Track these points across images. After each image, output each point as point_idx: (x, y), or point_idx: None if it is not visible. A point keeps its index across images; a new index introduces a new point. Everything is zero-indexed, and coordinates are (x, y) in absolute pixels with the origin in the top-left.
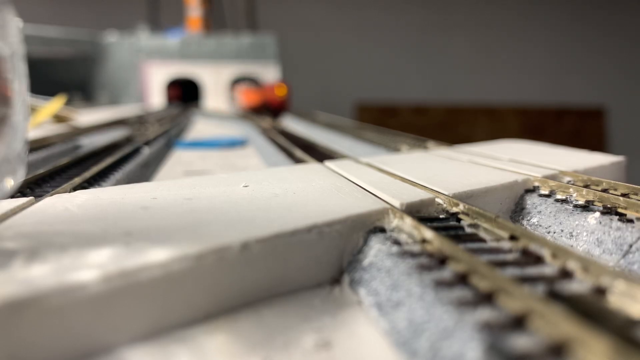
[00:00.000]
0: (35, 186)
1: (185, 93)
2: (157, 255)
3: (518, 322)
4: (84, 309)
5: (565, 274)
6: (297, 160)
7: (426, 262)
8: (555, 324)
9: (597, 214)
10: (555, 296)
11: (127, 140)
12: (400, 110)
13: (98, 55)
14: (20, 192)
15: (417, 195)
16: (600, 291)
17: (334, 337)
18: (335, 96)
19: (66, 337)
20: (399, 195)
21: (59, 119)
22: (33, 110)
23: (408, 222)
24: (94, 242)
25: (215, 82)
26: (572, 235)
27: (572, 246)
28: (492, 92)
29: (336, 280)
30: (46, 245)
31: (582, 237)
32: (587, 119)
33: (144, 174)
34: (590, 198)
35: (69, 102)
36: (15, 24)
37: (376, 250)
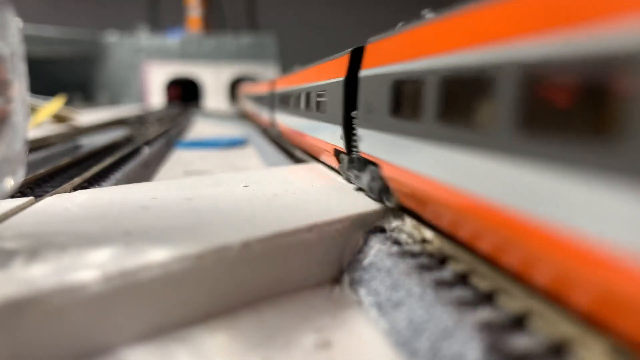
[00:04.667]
0: (35, 186)
1: (185, 93)
2: (157, 255)
3: (518, 322)
4: (84, 309)
5: None
6: (297, 160)
7: (426, 262)
8: (555, 324)
9: None
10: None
11: (127, 140)
12: None
13: (98, 55)
14: (20, 192)
15: None
16: None
17: (334, 337)
18: None
19: (66, 336)
20: None
21: (59, 119)
22: (33, 110)
23: (408, 222)
24: (94, 242)
25: (215, 82)
26: None
27: None
28: None
29: (336, 280)
30: (46, 245)
31: None
32: None
33: (144, 174)
34: None
35: (69, 102)
36: (15, 24)
37: (376, 250)
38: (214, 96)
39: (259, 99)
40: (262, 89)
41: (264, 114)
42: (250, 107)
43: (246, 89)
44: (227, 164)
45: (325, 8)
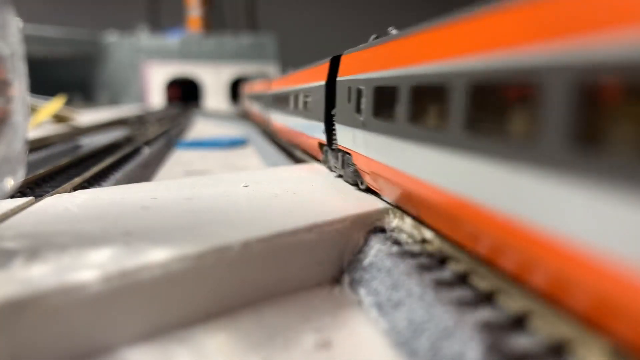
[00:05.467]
0: (35, 186)
1: (185, 93)
2: (157, 255)
3: (518, 322)
4: (84, 309)
5: None
6: (297, 160)
7: (426, 262)
8: (555, 324)
9: None
10: None
11: (127, 140)
12: None
13: (98, 55)
14: (20, 192)
15: None
16: None
17: (334, 337)
18: None
19: (67, 336)
20: None
21: (59, 119)
22: (33, 110)
23: (408, 222)
24: (94, 242)
25: (215, 82)
26: None
27: None
28: None
29: (336, 280)
30: (46, 245)
31: None
32: None
33: (144, 174)
34: None
35: (69, 102)
36: (15, 24)
37: (376, 250)
38: (214, 96)
39: (279, 100)
40: (294, 82)
41: (295, 124)
42: (258, 110)
43: (254, 87)
44: (227, 164)
45: (325, 8)
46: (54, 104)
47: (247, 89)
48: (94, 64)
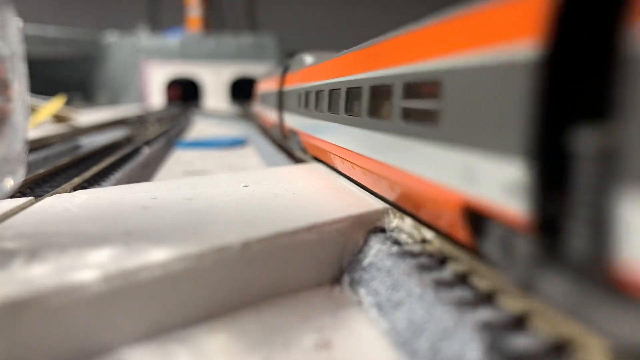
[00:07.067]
0: (35, 186)
1: (185, 93)
2: (157, 255)
3: (518, 322)
4: (84, 309)
5: None
6: (297, 160)
7: (426, 262)
8: (555, 324)
9: None
10: None
11: (127, 140)
12: None
13: (98, 55)
14: (20, 192)
15: None
16: None
17: (334, 337)
18: None
19: (66, 336)
20: None
21: (59, 119)
22: (33, 110)
23: (408, 222)
24: (94, 242)
25: (215, 82)
26: None
27: None
28: None
29: (336, 280)
30: (46, 245)
31: None
32: None
33: (144, 174)
34: None
35: (69, 102)
36: (15, 24)
37: (376, 250)
38: (214, 96)
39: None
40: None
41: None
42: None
43: (287, 80)
44: (227, 164)
45: (325, 8)
46: (54, 104)
47: (268, 84)
48: (94, 64)
